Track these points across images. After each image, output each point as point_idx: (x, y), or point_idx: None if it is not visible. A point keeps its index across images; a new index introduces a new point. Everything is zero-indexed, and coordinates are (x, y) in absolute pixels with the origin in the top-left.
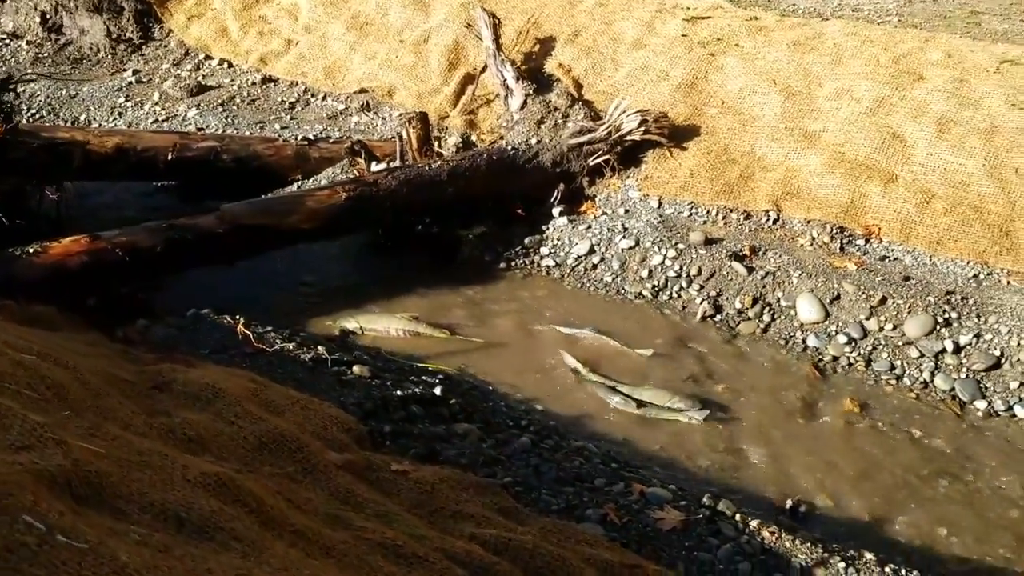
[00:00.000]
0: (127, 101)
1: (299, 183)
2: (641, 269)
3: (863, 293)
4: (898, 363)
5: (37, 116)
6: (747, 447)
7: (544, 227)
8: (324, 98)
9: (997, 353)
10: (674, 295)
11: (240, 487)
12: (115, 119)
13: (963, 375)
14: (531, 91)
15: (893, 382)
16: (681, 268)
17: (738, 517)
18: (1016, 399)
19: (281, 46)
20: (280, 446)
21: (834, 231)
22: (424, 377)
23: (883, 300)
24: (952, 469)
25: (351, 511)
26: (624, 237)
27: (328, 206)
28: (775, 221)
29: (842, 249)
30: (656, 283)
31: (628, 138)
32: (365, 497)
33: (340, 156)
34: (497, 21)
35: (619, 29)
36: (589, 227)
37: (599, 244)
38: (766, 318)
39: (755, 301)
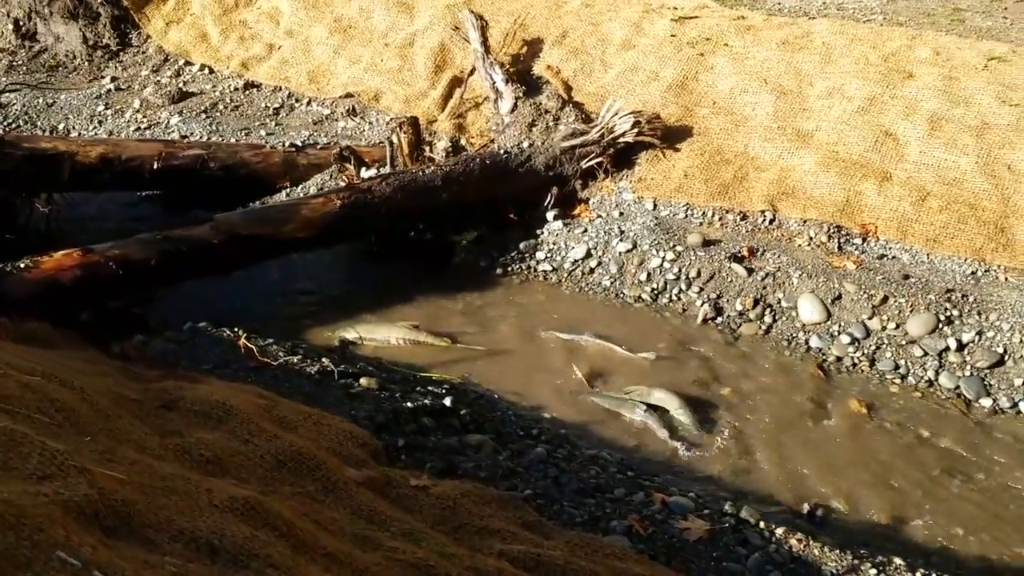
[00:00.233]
0: (107, 109)
1: (287, 190)
2: (639, 272)
3: (864, 292)
4: (902, 362)
5: (13, 126)
6: (758, 451)
7: (539, 231)
8: (309, 103)
9: (1000, 350)
10: (674, 298)
11: (269, 510)
12: (95, 128)
13: (967, 373)
14: (521, 94)
15: (898, 382)
16: (680, 270)
17: (762, 525)
18: (1021, 396)
19: (263, 51)
20: (298, 464)
21: (831, 230)
22: (430, 388)
23: (884, 299)
24: (963, 468)
25: (377, 530)
26: (621, 240)
27: (323, 214)
28: (771, 221)
29: (840, 248)
30: (655, 286)
31: (621, 140)
32: (388, 515)
33: (329, 162)
34: (484, 23)
35: (607, 30)
36: (585, 231)
37: (596, 248)
38: (767, 319)
39: (756, 303)
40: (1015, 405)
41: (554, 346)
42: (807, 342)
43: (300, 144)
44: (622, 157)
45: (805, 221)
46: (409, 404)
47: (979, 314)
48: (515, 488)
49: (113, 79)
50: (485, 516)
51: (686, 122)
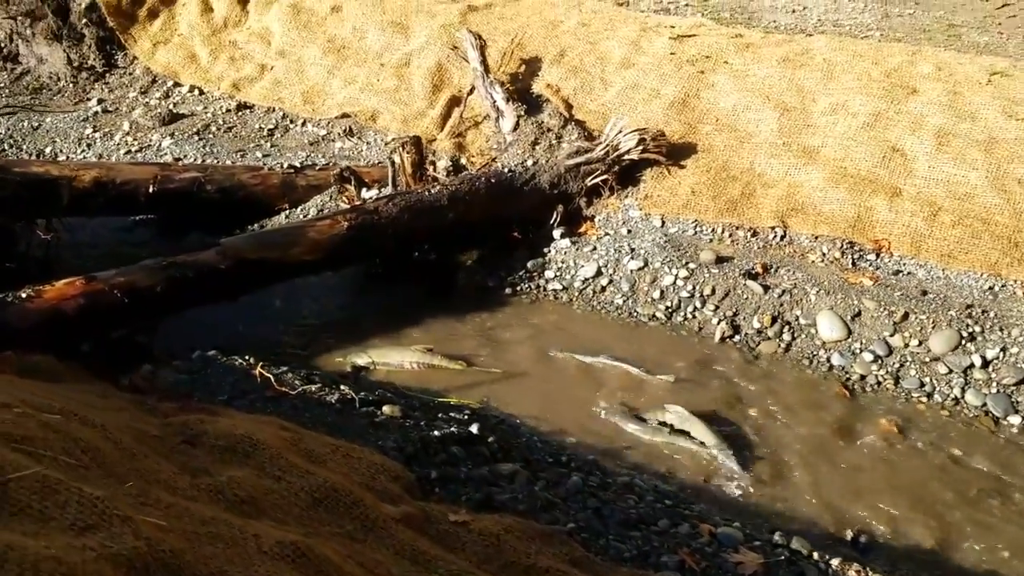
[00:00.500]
0: (95, 132)
1: (286, 213)
2: (652, 290)
3: (884, 309)
4: (927, 380)
5: None
6: (792, 474)
7: (546, 250)
8: (304, 124)
9: None
10: (688, 316)
11: (318, 555)
12: (83, 151)
13: (993, 390)
14: (522, 112)
15: (924, 400)
16: (694, 288)
17: (816, 556)
18: None
19: (255, 71)
20: (334, 501)
21: (844, 246)
22: (452, 414)
23: (905, 316)
24: (1000, 489)
25: (423, 572)
26: (632, 258)
27: (330, 236)
28: (782, 237)
29: (854, 264)
30: (669, 304)
31: (626, 157)
32: (431, 554)
33: (328, 183)
34: (483, 43)
35: (605, 48)
36: (594, 249)
37: (606, 266)
38: (786, 337)
39: (774, 320)
40: None
41: (570, 368)
42: (829, 360)
43: (299, 165)
44: (627, 174)
45: (817, 237)
46: (436, 433)
47: (1001, 330)
48: (557, 521)
49: (100, 101)
50: (531, 553)
51: (690, 139)
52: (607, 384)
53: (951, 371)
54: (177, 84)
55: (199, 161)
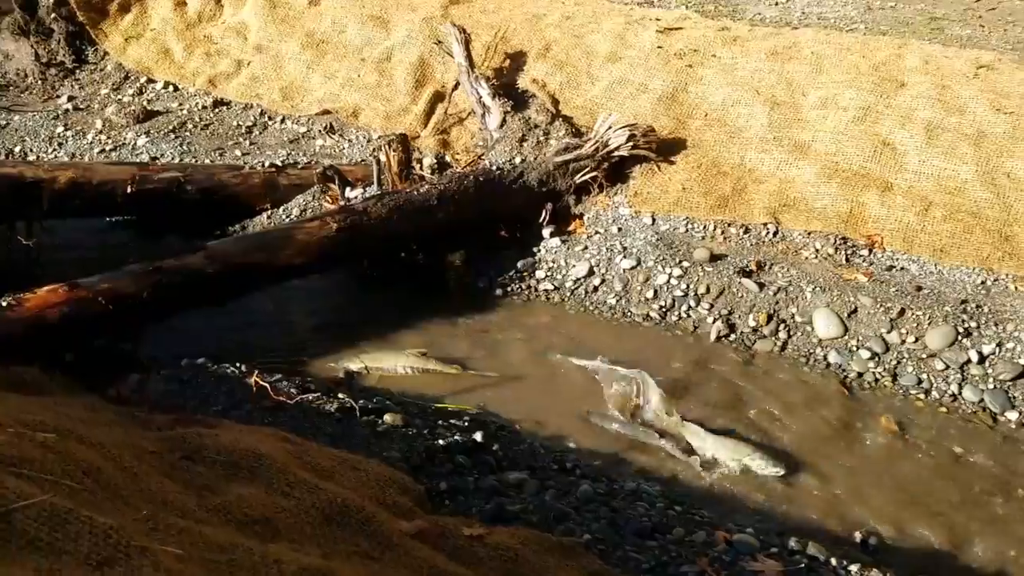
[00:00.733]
0: (67, 130)
1: (269, 213)
2: (646, 290)
3: (880, 306)
4: (924, 377)
5: None
6: (796, 476)
7: (536, 249)
8: (283, 121)
9: (1022, 362)
10: (683, 315)
11: None
12: (55, 150)
13: (991, 386)
14: (509, 108)
15: (922, 397)
16: (688, 287)
17: (834, 561)
18: None
19: (231, 67)
20: (346, 518)
21: (837, 242)
22: (452, 421)
23: (902, 312)
24: (1002, 486)
25: None
26: (624, 257)
27: (320, 238)
28: (775, 234)
29: (848, 260)
30: (663, 303)
31: (616, 154)
32: (449, 571)
33: (311, 182)
34: (468, 37)
35: (591, 42)
36: (585, 248)
37: (598, 265)
38: (782, 335)
39: (769, 318)
40: None
41: (566, 371)
42: (826, 358)
43: (280, 164)
44: (616, 171)
45: (810, 233)
46: (441, 442)
47: (996, 325)
48: (572, 532)
49: (70, 98)
50: (549, 567)
51: (679, 134)
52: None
53: (948, 367)
54: (151, 80)
55: (177, 160)
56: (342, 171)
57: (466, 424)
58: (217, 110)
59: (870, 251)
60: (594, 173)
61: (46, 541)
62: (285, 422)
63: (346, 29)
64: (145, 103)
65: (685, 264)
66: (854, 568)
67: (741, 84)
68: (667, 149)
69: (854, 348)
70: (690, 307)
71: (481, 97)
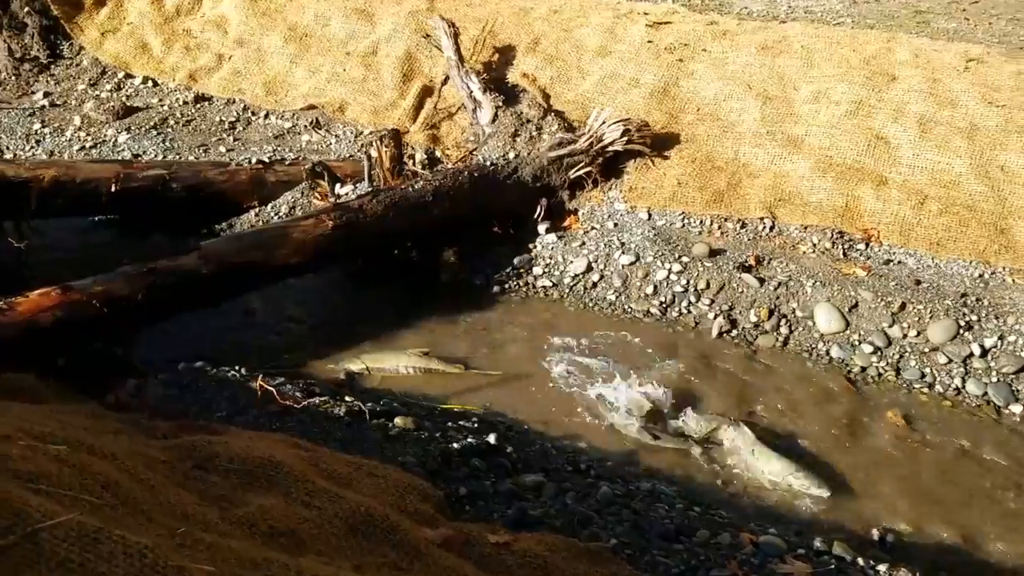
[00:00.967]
0: (44, 127)
1: (256, 210)
2: (645, 286)
3: (881, 300)
4: (928, 371)
5: None
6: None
7: (531, 245)
8: (267, 116)
9: None
10: (684, 311)
11: None
12: (32, 148)
13: (994, 379)
14: (500, 103)
15: (926, 391)
16: (688, 282)
17: (861, 561)
18: None
19: (212, 61)
20: (370, 527)
21: (834, 236)
22: (462, 422)
23: (903, 306)
24: (1013, 480)
25: None
26: (623, 253)
27: (315, 237)
28: (772, 229)
29: (845, 255)
30: (663, 299)
31: (610, 149)
32: None
33: (299, 179)
34: (456, 30)
35: (580, 36)
36: (583, 244)
37: (596, 261)
38: (784, 330)
39: (771, 313)
40: None
41: (567, 369)
42: (828, 352)
43: (267, 160)
44: (610, 166)
45: (806, 228)
46: (455, 445)
47: (997, 318)
48: (598, 537)
49: (46, 94)
50: (580, 574)
51: (672, 129)
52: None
53: (951, 361)
54: (129, 75)
55: (160, 157)
56: (331, 167)
57: (475, 425)
58: (199, 105)
59: (867, 245)
60: (588, 168)
61: (77, 562)
62: (293, 427)
63: (330, 22)
64: (124, 99)
65: (684, 259)
66: (882, 568)
67: (732, 78)
68: (661, 144)
69: (856, 342)
70: (691, 303)
71: (472, 92)
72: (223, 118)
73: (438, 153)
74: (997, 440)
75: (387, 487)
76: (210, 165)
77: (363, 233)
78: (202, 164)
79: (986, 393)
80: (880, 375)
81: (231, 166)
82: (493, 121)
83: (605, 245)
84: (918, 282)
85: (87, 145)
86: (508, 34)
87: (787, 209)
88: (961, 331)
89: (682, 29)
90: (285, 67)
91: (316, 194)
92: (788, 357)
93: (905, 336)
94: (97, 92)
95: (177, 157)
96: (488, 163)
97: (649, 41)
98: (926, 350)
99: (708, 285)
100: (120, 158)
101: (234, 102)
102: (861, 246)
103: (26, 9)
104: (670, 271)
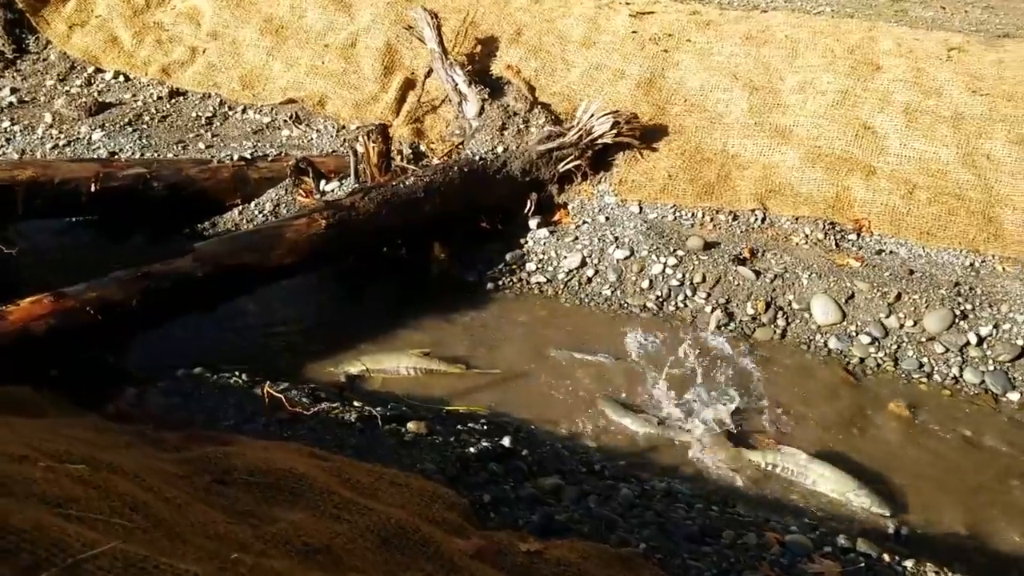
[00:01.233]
0: (14, 125)
1: (240, 208)
2: (641, 280)
3: (877, 290)
4: (925, 360)
5: None
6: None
7: (523, 241)
8: (244, 111)
9: (1020, 343)
10: (680, 305)
11: None
12: (3, 147)
13: (991, 367)
14: (487, 96)
15: (925, 381)
16: (684, 276)
17: (886, 558)
18: None
19: (185, 55)
20: (403, 540)
21: (826, 227)
22: (471, 425)
23: (898, 296)
24: (1017, 468)
25: None
26: (617, 247)
27: (309, 236)
28: (763, 220)
29: (837, 245)
30: (659, 294)
31: (600, 141)
32: None
33: (282, 175)
34: (439, 21)
35: (563, 27)
36: (576, 238)
37: (591, 256)
38: (781, 323)
39: (768, 306)
40: None
41: (570, 366)
42: (826, 344)
43: (250, 157)
44: (599, 159)
45: (798, 219)
46: (472, 450)
47: (991, 306)
48: (627, 542)
49: (13, 91)
50: None
51: (660, 121)
52: (611, 382)
53: (948, 350)
54: (99, 70)
55: (137, 155)
56: (315, 163)
57: (485, 428)
58: (174, 100)
59: (858, 235)
60: (578, 162)
61: None
62: (304, 435)
63: (306, 13)
64: (96, 94)
65: (680, 253)
66: (909, 564)
67: (718, 69)
68: (649, 136)
69: (853, 333)
70: (687, 296)
71: (457, 84)
72: (199, 113)
73: (423, 147)
74: (998, 428)
75: (412, 496)
76: (191, 163)
77: (356, 231)
78: (183, 162)
79: (983, 381)
80: (879, 366)
81: (213, 163)
82: (480, 114)
83: (599, 239)
84: (911, 272)
85: (60, 143)
86: (489, 25)
87: (778, 200)
88: (957, 320)
89: (665, 19)
90: (262, 60)
91: (301, 191)
92: (787, 350)
93: (902, 326)
94: (67, 88)
95: (155, 154)
96: (477, 157)
97: (633, 32)
98: (923, 340)
99: (704, 279)
100: (97, 157)
101: (210, 97)
102: (853, 236)
103: None
104: (665, 265)
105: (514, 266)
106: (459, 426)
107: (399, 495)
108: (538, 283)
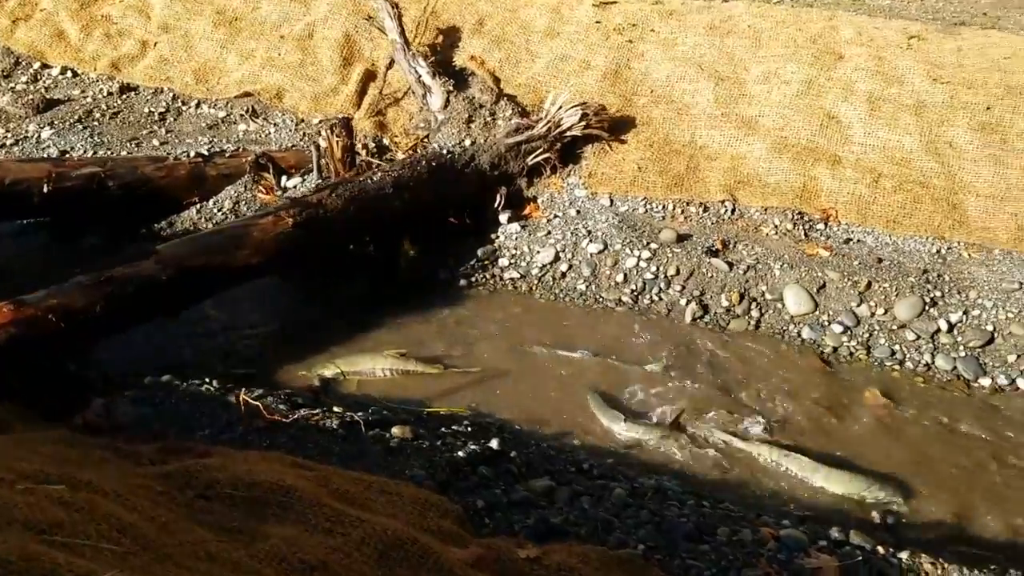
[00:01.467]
0: None
1: (197, 207)
2: (615, 274)
3: (848, 279)
4: (897, 348)
5: None
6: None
7: (494, 236)
8: (199, 105)
9: (989, 328)
10: (655, 298)
11: None
12: None
13: (962, 353)
14: (451, 88)
15: (898, 368)
16: (658, 269)
17: (880, 550)
18: (1017, 372)
19: (135, 49)
20: (400, 551)
21: (794, 217)
22: (455, 427)
23: (869, 285)
24: (994, 453)
25: None
26: (591, 241)
27: (276, 235)
28: (733, 211)
29: (806, 235)
30: (634, 287)
31: (569, 134)
32: None
33: (242, 171)
34: (400, 11)
35: (526, 16)
36: (548, 232)
37: (564, 250)
38: (755, 313)
39: (741, 297)
40: (1013, 382)
41: (548, 363)
42: (799, 334)
43: (207, 153)
44: (567, 152)
45: (766, 209)
46: (461, 454)
47: (959, 293)
48: (625, 543)
49: None
50: None
51: (627, 112)
52: (591, 379)
53: (919, 337)
54: (45, 65)
55: (90, 153)
56: (275, 159)
57: (470, 429)
58: (125, 96)
59: (826, 224)
60: (547, 154)
61: None
62: (285, 444)
63: (260, 4)
64: (43, 91)
65: (653, 246)
66: (904, 555)
67: (683, 60)
68: (618, 128)
69: (826, 323)
70: (661, 289)
71: (420, 76)
72: (152, 109)
73: (386, 141)
74: (972, 414)
75: (404, 505)
76: (146, 160)
77: (324, 229)
78: (138, 160)
79: (955, 367)
80: (852, 354)
81: (169, 161)
82: (445, 107)
83: (571, 233)
84: (880, 260)
85: (7, 142)
86: (451, 15)
87: (747, 191)
88: (927, 307)
89: (628, 9)
90: (215, 53)
91: (261, 188)
92: (761, 340)
93: (873, 314)
94: (12, 84)
95: (108, 152)
96: (444, 151)
97: (597, 22)
98: (894, 327)
99: (678, 271)
100: (48, 156)
101: (162, 91)
102: (821, 226)
103: None
104: (639, 258)
105: (486, 262)
106: (443, 429)
107: (391, 504)
108: (512, 279)
